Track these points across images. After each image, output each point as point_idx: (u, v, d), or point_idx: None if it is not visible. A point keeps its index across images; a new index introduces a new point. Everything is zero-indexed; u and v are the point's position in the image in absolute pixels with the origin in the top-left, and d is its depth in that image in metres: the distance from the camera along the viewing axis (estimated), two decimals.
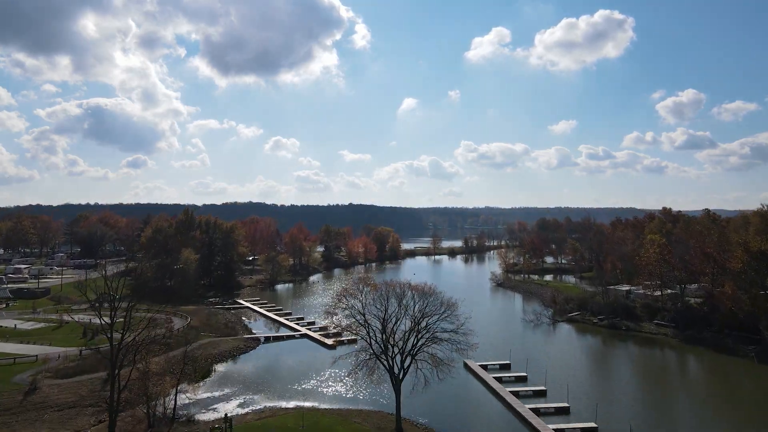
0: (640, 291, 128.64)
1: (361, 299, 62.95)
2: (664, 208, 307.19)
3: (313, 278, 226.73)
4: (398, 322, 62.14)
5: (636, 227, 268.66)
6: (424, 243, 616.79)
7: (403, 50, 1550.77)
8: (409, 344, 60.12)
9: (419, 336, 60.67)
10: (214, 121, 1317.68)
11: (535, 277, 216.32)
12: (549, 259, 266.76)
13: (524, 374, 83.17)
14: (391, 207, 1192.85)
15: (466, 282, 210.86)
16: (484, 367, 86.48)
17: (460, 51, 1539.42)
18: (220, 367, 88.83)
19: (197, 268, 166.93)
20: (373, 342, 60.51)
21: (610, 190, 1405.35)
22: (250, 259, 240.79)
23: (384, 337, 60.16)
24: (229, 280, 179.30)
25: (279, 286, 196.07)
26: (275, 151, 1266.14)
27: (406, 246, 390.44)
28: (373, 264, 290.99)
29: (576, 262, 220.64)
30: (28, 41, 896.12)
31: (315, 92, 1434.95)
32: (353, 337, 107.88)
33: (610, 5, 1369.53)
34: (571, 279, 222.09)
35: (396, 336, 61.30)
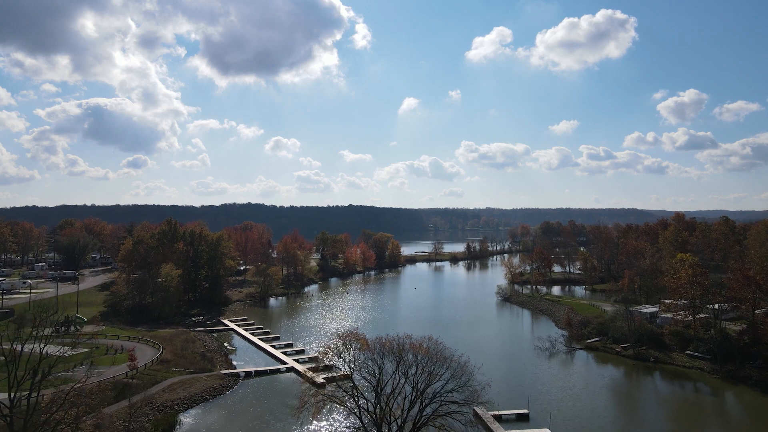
0: (668, 316, 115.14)
1: (349, 360, 49.56)
2: (678, 214, 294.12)
3: (308, 290, 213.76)
4: (396, 390, 48.73)
5: (648, 234, 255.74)
6: (425, 245, 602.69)
7: (403, 50, 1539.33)
8: (410, 418, 46.76)
9: (423, 406, 47.38)
10: (215, 121, 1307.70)
11: (544, 289, 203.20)
12: (556, 268, 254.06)
13: None
14: (391, 208, 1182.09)
15: (470, 295, 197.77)
16: (498, 418, 73.16)
17: (461, 51, 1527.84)
18: (187, 418, 75.47)
19: (180, 283, 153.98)
20: (364, 415, 47.22)
21: (610, 191, 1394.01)
22: (242, 269, 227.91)
23: (378, 410, 46.86)
24: (216, 295, 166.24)
25: (271, 300, 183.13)
26: (276, 151, 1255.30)
27: (406, 250, 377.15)
28: (372, 272, 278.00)
29: (586, 272, 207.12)
30: (27, 41, 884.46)
31: (315, 92, 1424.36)
32: (347, 373, 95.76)
33: (612, 5, 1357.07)
34: (581, 291, 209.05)
35: (392, 404, 47.99)
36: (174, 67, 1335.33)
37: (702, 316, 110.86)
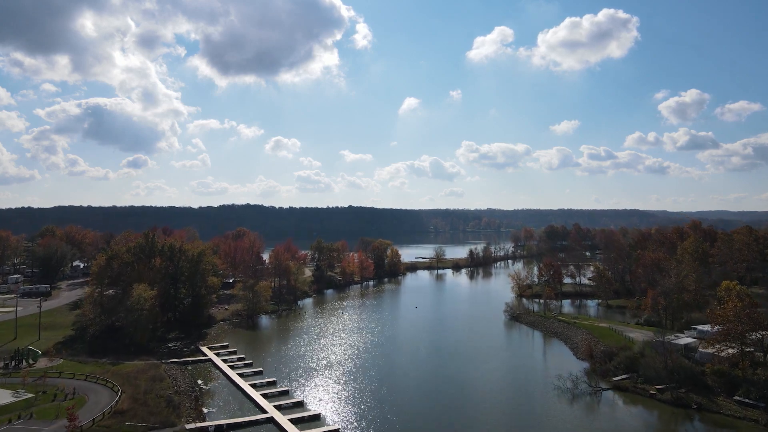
0: (709, 351, 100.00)
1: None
2: (694, 221, 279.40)
3: (301, 304, 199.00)
4: None
5: (664, 244, 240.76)
6: (426, 249, 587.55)
7: (404, 50, 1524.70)
8: None
9: None
10: (215, 121, 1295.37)
11: (554, 303, 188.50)
12: (566, 278, 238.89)
13: None
14: (391, 209, 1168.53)
15: (474, 313, 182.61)
16: None
17: (462, 50, 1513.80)
18: None
19: (156, 304, 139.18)
20: None
21: (611, 191, 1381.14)
22: (231, 281, 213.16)
23: None
24: (197, 315, 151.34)
25: (260, 319, 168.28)
26: (276, 151, 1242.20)
27: (406, 253, 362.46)
28: (371, 282, 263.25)
29: (600, 286, 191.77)
30: (26, 40, 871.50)
31: (316, 92, 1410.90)
32: (333, 428, 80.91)
33: (614, 4, 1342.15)
34: (594, 306, 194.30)
35: None
36: (174, 66, 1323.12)
37: (749, 350, 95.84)
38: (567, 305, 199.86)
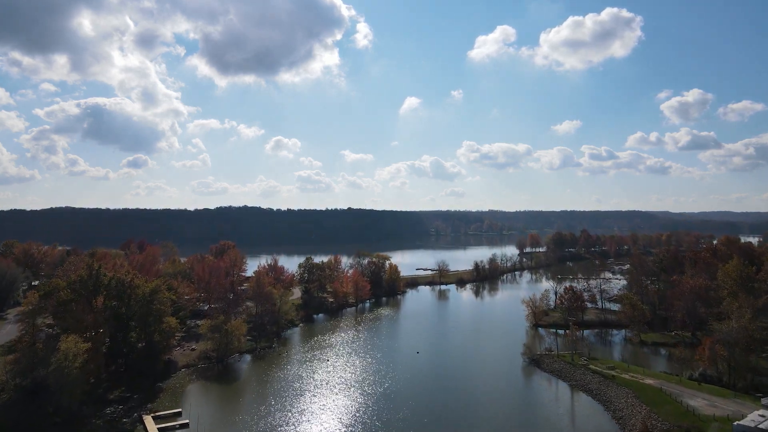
0: None
1: None
2: (729, 238, 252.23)
3: (285, 335, 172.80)
4: None
5: (697, 262, 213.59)
6: (427, 254, 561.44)
7: (405, 49, 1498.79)
8: None
9: None
10: (215, 120, 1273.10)
11: (577, 333, 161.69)
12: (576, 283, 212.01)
13: None
14: (391, 211, 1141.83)
15: (486, 351, 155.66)
16: None
17: (463, 50, 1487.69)
18: None
19: (97, 356, 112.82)
20: None
21: (612, 191, 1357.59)
22: (206, 308, 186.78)
23: None
24: (152, 364, 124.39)
25: (233, 361, 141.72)
26: (276, 151, 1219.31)
27: (407, 259, 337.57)
28: (367, 303, 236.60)
29: (632, 319, 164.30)
30: (23, 39, 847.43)
31: (316, 92, 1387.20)
32: None
33: (618, 3, 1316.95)
34: (622, 339, 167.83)
35: None
36: (173, 66, 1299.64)
37: None
38: (589, 336, 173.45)
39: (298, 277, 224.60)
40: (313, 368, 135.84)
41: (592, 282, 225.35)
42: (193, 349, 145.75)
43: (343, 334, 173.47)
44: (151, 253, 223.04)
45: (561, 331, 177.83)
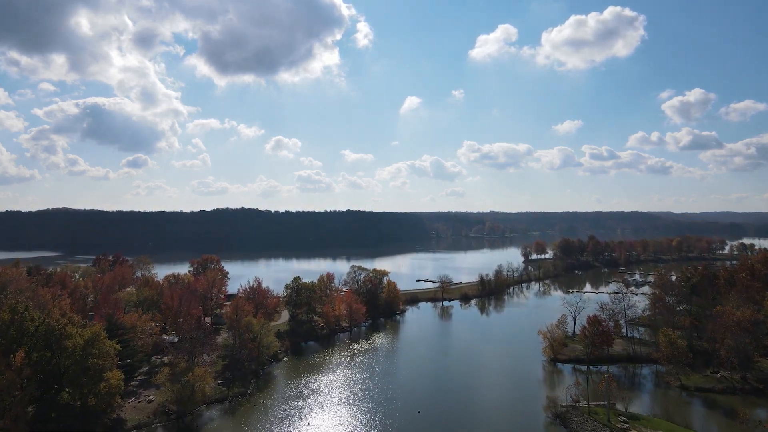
0: None
1: None
2: (765, 255, 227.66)
3: (265, 372, 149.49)
4: None
5: (732, 284, 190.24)
6: (428, 258, 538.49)
7: (406, 49, 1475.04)
8: None
9: None
10: (215, 120, 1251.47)
11: (603, 370, 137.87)
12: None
13: None
14: (392, 212, 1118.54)
15: (501, 400, 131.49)
16: None
17: (464, 49, 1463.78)
18: None
19: (22, 424, 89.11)
20: None
21: (613, 191, 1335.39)
22: (176, 340, 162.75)
23: None
24: (90, 428, 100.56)
25: (199, 410, 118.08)
26: (276, 151, 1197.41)
27: (407, 263, 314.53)
28: (363, 327, 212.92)
29: (673, 359, 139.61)
30: (21, 38, 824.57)
31: (316, 92, 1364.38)
32: None
33: (620, 2, 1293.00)
34: (651, 377, 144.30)
35: None
36: (172, 66, 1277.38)
37: None
38: (613, 370, 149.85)
39: (285, 299, 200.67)
40: (290, 421, 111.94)
41: (614, 301, 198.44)
42: (150, 401, 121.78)
43: (331, 375, 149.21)
44: (120, 273, 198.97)
45: (584, 367, 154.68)
